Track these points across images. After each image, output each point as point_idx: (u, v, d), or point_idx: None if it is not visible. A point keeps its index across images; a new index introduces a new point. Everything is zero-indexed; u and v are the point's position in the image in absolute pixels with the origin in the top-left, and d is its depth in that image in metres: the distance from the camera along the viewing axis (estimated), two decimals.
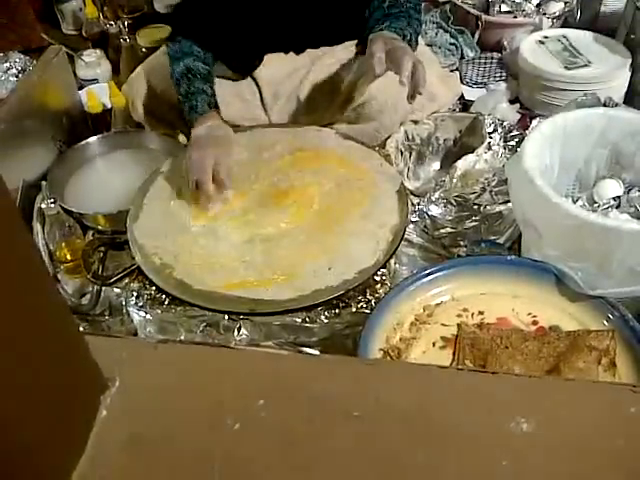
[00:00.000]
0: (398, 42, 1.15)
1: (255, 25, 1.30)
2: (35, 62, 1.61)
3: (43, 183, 1.24)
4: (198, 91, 1.21)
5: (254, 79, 1.38)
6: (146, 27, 1.79)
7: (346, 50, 1.38)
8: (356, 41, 1.38)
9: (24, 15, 1.86)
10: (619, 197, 1.10)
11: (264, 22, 1.30)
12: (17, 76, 1.71)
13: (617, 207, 1.09)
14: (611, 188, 1.12)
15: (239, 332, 1.00)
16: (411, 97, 1.11)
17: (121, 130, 1.46)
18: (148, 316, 1.02)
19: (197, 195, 1.11)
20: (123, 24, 1.76)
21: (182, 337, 1.02)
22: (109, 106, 1.49)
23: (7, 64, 1.72)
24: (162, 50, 1.49)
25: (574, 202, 1.13)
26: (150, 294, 1.03)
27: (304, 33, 1.35)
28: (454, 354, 0.93)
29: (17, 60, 1.74)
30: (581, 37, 1.60)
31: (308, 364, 0.58)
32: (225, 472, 0.50)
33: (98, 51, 1.75)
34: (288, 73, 1.38)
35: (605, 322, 0.94)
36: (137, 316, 1.03)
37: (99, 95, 1.49)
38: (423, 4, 1.43)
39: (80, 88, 1.60)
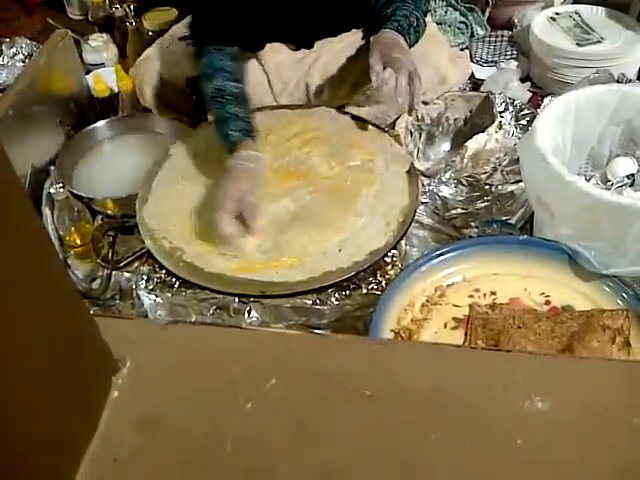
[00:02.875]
0: (396, 50, 1.13)
1: (261, 17, 1.28)
2: (42, 47, 1.60)
3: (52, 168, 1.24)
4: (230, 116, 1.13)
5: (262, 65, 1.37)
6: (152, 10, 1.77)
7: (354, 35, 1.36)
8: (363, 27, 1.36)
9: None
10: (633, 175, 1.09)
11: (271, 15, 1.28)
12: (24, 62, 1.70)
13: (631, 185, 1.08)
14: (625, 166, 1.10)
15: (249, 315, 1.00)
16: (409, 111, 1.12)
17: (129, 114, 1.45)
18: (158, 299, 1.02)
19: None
20: (129, 7, 1.74)
21: (193, 320, 1.02)
22: (116, 90, 1.48)
23: (14, 49, 1.72)
24: (170, 34, 1.48)
25: (587, 180, 1.11)
26: (160, 277, 1.02)
27: (311, 25, 1.33)
28: (466, 335, 0.92)
29: (23, 45, 1.73)
30: (593, 13, 1.58)
31: (320, 343, 0.58)
32: (237, 452, 0.50)
33: (104, 35, 1.74)
34: (296, 59, 1.36)
35: (619, 301, 0.92)
36: (147, 300, 1.03)
37: (106, 79, 1.49)
38: None
39: (87, 73, 1.59)
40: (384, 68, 1.11)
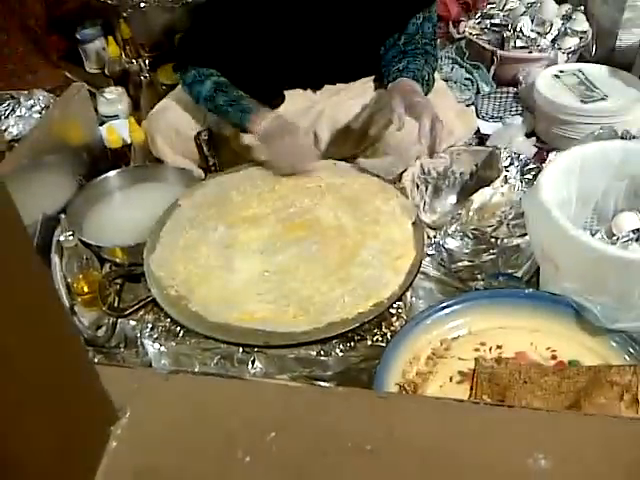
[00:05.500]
0: (416, 95, 1.18)
1: (274, 62, 1.32)
2: (57, 99, 1.64)
3: (62, 216, 1.26)
4: (241, 97, 1.25)
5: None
6: (166, 64, 1.82)
7: (363, 86, 1.40)
8: (372, 77, 1.40)
9: (47, 54, 1.92)
10: (638, 230, 1.08)
11: (282, 59, 1.32)
12: (41, 113, 1.75)
13: (637, 240, 1.07)
14: (630, 221, 1.10)
15: (253, 365, 0.99)
16: (431, 154, 1.15)
17: (140, 165, 1.48)
18: (162, 348, 1.02)
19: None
20: (144, 62, 1.80)
21: (196, 370, 1.02)
22: (129, 141, 1.52)
23: (31, 101, 1.77)
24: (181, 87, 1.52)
25: (592, 235, 1.11)
26: (165, 326, 1.03)
27: (321, 70, 1.37)
28: (471, 389, 0.91)
29: (41, 98, 1.78)
30: (597, 71, 1.61)
31: (321, 396, 0.57)
32: None
33: (119, 88, 1.79)
34: (305, 108, 1.39)
35: (626, 357, 0.91)
36: (152, 348, 1.03)
37: (119, 130, 1.52)
38: (438, 40, 1.44)
39: (101, 124, 1.63)
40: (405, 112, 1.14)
